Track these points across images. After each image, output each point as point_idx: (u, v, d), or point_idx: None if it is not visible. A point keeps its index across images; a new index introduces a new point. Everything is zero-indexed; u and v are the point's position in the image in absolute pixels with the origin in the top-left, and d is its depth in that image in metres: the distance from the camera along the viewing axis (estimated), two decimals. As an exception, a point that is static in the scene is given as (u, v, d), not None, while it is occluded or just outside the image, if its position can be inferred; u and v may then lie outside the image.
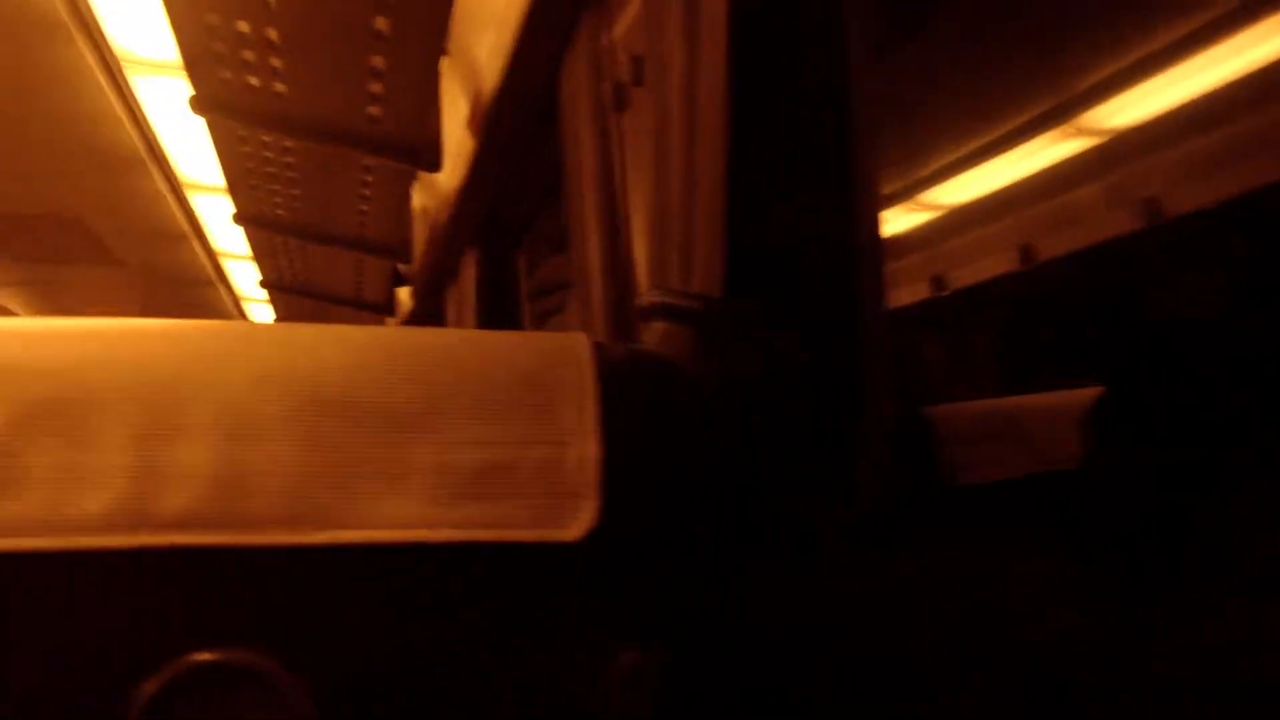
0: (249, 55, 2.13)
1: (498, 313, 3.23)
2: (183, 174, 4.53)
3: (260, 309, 7.75)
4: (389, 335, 0.66)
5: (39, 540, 0.57)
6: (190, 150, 4.23)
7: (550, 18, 1.80)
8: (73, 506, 0.58)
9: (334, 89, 2.24)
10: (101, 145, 4.32)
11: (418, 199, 3.19)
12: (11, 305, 8.00)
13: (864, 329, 1.30)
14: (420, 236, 3.76)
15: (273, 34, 2.01)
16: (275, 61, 2.14)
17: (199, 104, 2.44)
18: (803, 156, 1.31)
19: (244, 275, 6.51)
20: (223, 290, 7.40)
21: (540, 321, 3.53)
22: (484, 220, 3.09)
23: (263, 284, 4.74)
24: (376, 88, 2.19)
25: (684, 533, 0.65)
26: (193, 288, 7.38)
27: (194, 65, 2.25)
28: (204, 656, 0.58)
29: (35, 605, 0.58)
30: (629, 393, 0.66)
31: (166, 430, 0.60)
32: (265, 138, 2.62)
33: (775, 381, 0.72)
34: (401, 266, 4.25)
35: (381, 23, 1.91)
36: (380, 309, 4.63)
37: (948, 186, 3.90)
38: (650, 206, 1.41)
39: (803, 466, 0.71)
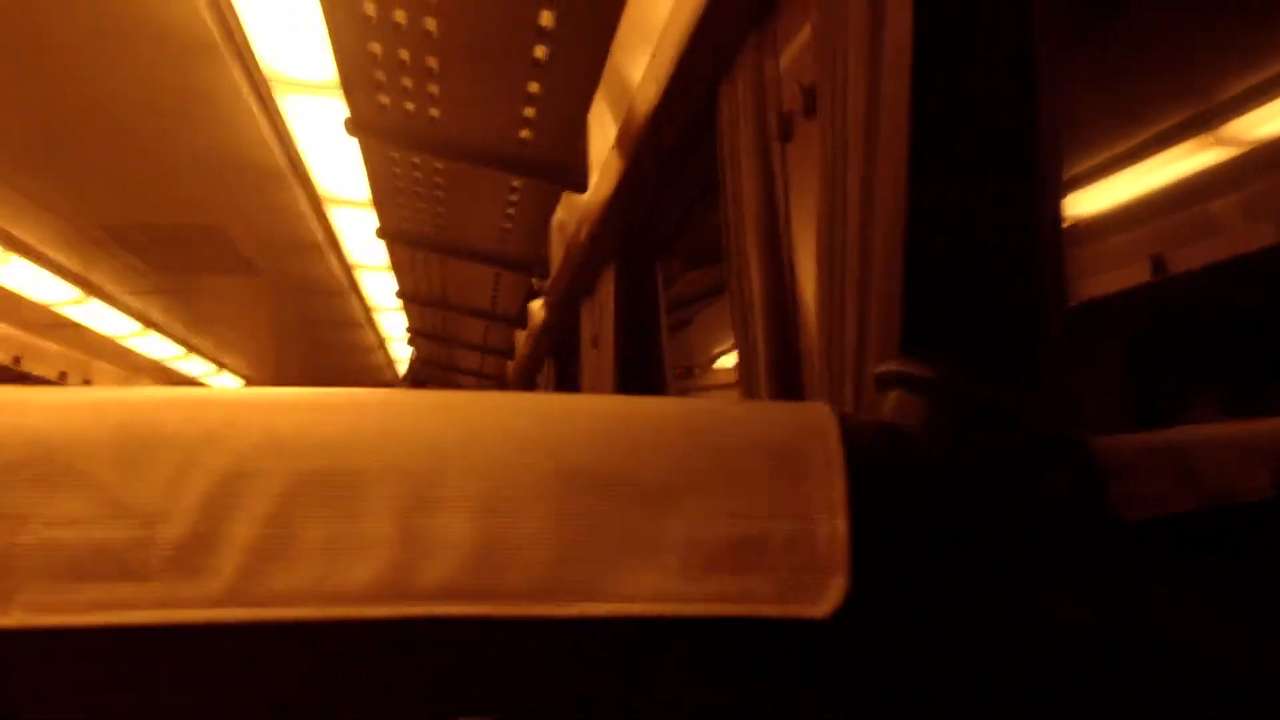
0: (407, 82, 2.17)
1: (637, 327, 3.24)
2: (323, 188, 4.63)
3: (389, 317, 7.90)
4: (637, 407, 0.66)
5: (308, 610, 0.59)
6: (331, 165, 4.34)
7: (711, 43, 1.80)
8: (340, 577, 0.59)
9: (488, 113, 2.27)
10: (247, 160, 4.44)
11: (557, 216, 3.21)
12: (150, 311, 8.27)
13: (1048, 371, 1.28)
14: (558, 252, 3.80)
15: (432, 62, 2.04)
16: (432, 88, 2.18)
17: (354, 126, 2.49)
18: (987, 195, 1.29)
19: (375, 285, 6.65)
20: (354, 300, 7.55)
21: (670, 334, 3.53)
22: (624, 237, 3.10)
23: (399, 295, 4.82)
24: (529, 112, 2.22)
25: (928, 603, 0.63)
26: (325, 297, 7.54)
27: (352, 90, 2.30)
28: None
29: (302, 671, 0.60)
30: (874, 465, 0.65)
31: (428, 502, 0.61)
32: (415, 159, 2.66)
33: (1006, 451, 0.70)
34: (536, 281, 4.30)
35: (540, 51, 1.93)
36: (513, 321, 4.68)
37: (1078, 196, 3.81)
38: (822, 241, 1.40)
39: (1017, 518, 0.69)
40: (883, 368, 0.80)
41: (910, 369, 0.77)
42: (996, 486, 0.67)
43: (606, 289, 3.27)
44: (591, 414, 0.65)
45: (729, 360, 7.87)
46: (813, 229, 1.59)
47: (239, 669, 0.60)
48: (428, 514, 0.60)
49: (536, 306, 4.61)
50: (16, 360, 8.34)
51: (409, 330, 6.32)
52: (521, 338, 5.44)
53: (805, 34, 1.58)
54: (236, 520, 0.59)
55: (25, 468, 0.59)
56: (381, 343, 9.51)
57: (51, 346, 9.20)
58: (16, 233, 5.70)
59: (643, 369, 3.28)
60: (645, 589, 0.61)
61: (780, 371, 1.67)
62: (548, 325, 4.55)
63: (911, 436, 0.69)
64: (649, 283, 3.31)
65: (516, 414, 0.65)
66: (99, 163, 4.63)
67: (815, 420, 0.66)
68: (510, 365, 6.35)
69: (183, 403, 0.63)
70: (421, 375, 8.40)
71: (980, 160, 1.29)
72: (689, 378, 6.92)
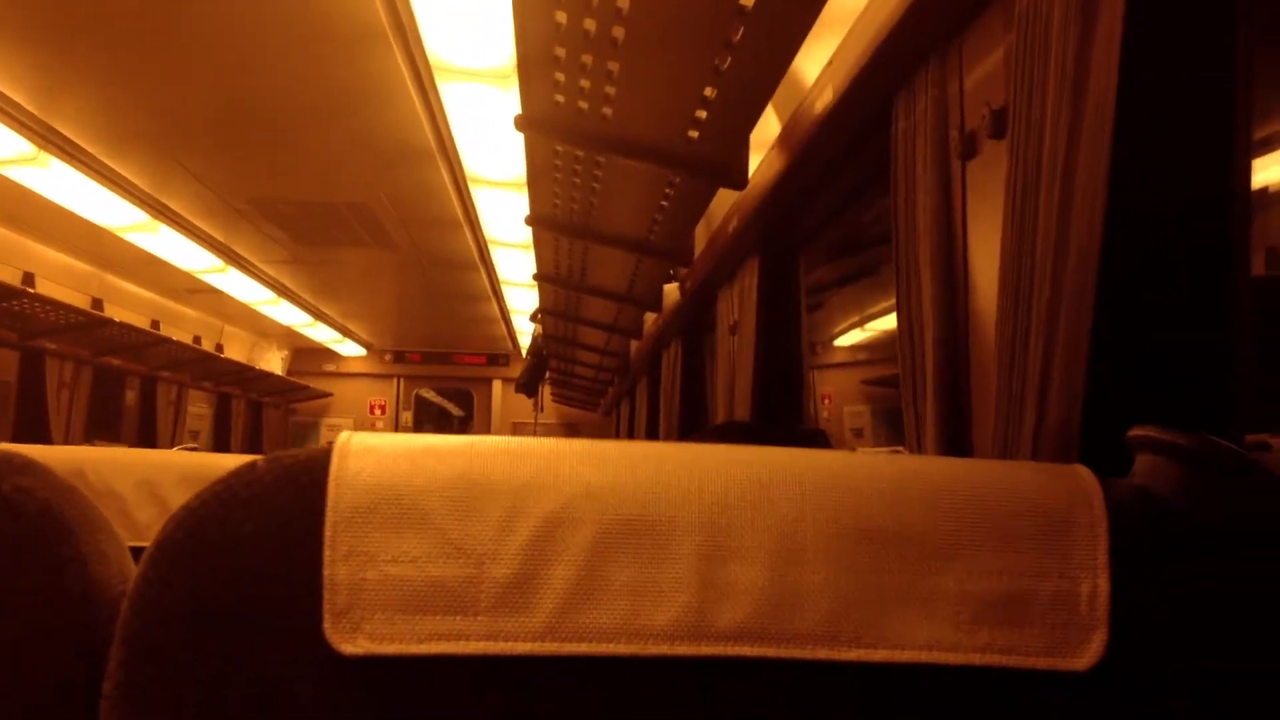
0: (585, 83, 2.24)
1: (777, 315, 3.30)
2: (469, 169, 4.76)
3: (514, 292, 8.04)
4: (912, 465, 0.72)
5: (616, 646, 0.65)
6: (478, 148, 4.46)
7: (894, 56, 1.85)
8: (645, 617, 0.65)
9: (660, 113, 2.34)
10: (398, 142, 4.58)
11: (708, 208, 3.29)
12: (283, 280, 8.50)
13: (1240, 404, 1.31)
14: (701, 241, 3.87)
15: (613, 66, 2.12)
16: (609, 89, 2.25)
17: (524, 122, 2.57)
18: (1188, 228, 1.33)
19: (506, 261, 6.78)
20: (483, 274, 7.70)
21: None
22: (771, 231, 3.17)
23: (536, 276, 4.93)
24: (701, 114, 2.28)
25: (1185, 663, 0.69)
26: (455, 270, 7.70)
27: (529, 87, 2.37)
28: None
29: (610, 703, 0.66)
30: (1133, 529, 0.70)
31: (724, 551, 0.67)
32: (579, 153, 2.74)
33: (1262, 511, 0.75)
34: (675, 268, 4.38)
35: (723, 59, 1.99)
36: (647, 304, 4.76)
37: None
38: (1007, 263, 1.44)
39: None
40: (1136, 431, 0.85)
41: (1163, 435, 0.82)
42: (1255, 548, 0.72)
43: (749, 279, 3.33)
44: (871, 471, 0.71)
45: (846, 340, 7.90)
46: (989, 248, 1.63)
47: (555, 699, 0.65)
48: (723, 562, 0.66)
49: (671, 290, 4.69)
50: (155, 324, 8.64)
51: (539, 308, 6.42)
52: (651, 320, 5.53)
53: (994, 56, 1.62)
54: (556, 562, 0.65)
55: (376, 510, 0.66)
56: (505, 315, 9.67)
57: (188, 311, 9.50)
58: (168, 202, 5.92)
59: (780, 354, 3.35)
60: (920, 638, 0.66)
61: (947, 386, 1.71)
62: (681, 310, 4.63)
63: (1166, 501, 0.74)
64: (792, 274, 3.37)
65: (806, 469, 0.70)
66: (256, 142, 4.80)
67: (1080, 484, 0.71)
68: (635, 345, 6.44)
69: (510, 452, 0.69)
70: (545, 351, 8.52)
71: (1182, 191, 1.33)
72: (811, 355, 6.98)
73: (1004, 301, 1.43)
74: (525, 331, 9.77)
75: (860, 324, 7.45)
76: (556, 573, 0.65)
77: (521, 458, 0.69)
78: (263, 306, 9.42)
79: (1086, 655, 0.67)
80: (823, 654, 0.66)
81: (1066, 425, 1.28)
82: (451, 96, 3.84)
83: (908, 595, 0.67)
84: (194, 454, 1.64)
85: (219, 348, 10.22)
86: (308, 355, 12.61)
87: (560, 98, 2.38)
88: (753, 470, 0.70)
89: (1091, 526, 0.69)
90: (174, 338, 8.35)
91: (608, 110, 2.39)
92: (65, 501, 0.75)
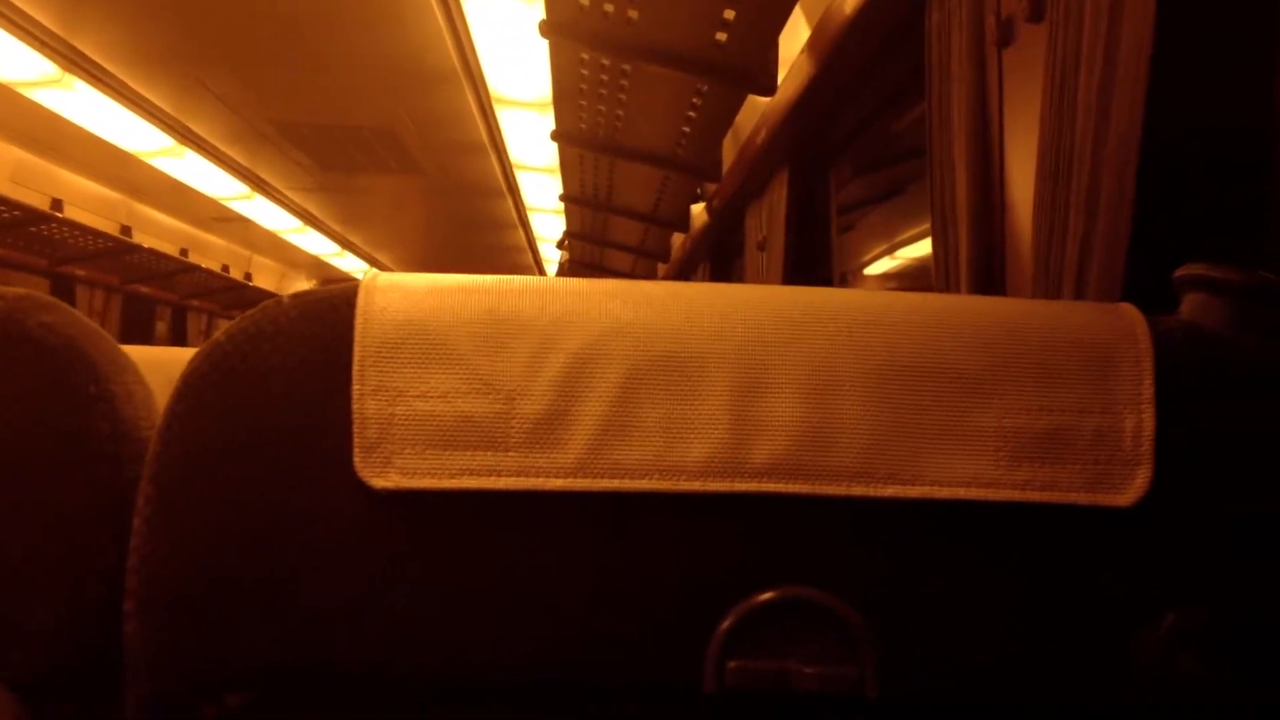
0: (609, -16, 2.20)
1: (806, 231, 3.27)
2: (493, 89, 4.72)
3: (541, 218, 8.01)
4: (951, 303, 0.70)
5: (649, 483, 0.64)
6: (503, 67, 4.42)
7: (926, -53, 1.80)
8: (678, 454, 0.64)
9: (686, 16, 2.30)
10: (421, 62, 4.54)
11: (736, 119, 3.24)
12: (310, 208, 8.50)
13: None
14: (729, 155, 3.82)
15: (639, -35, 2.07)
16: (634, -10, 2.20)
17: (548, 28, 2.53)
18: (1232, 105, 1.29)
19: (532, 186, 6.75)
20: (509, 201, 7.67)
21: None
22: (801, 142, 3.12)
23: (563, 197, 4.90)
24: (729, 15, 2.23)
25: (1230, 501, 0.67)
26: (482, 197, 7.67)
27: (553, -8, 2.33)
28: (776, 593, 0.64)
29: (642, 539, 0.65)
30: (1181, 364, 0.68)
31: (757, 387, 0.65)
32: (605, 60, 2.70)
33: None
34: (702, 185, 4.33)
35: (750, -46, 1.94)
36: (674, 224, 4.72)
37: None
38: (1045, 148, 1.41)
39: None
40: (1183, 270, 0.82)
41: (1214, 272, 0.79)
42: None
43: (779, 193, 3.29)
44: (908, 308, 0.69)
45: (878, 268, 7.82)
46: (1026, 137, 1.59)
47: (586, 535, 0.65)
48: (757, 398, 0.65)
49: (699, 210, 4.64)
50: (184, 252, 8.66)
51: (566, 232, 6.39)
52: (679, 240, 5.49)
53: (1030, -62, 1.57)
54: (586, 399, 0.65)
55: (403, 345, 0.65)
56: (531, 243, 9.65)
57: (216, 240, 9.51)
58: (193, 126, 5.90)
59: (810, 272, 3.31)
60: (958, 474, 0.65)
61: (980, 278, 1.69)
62: (709, 229, 4.58)
63: (1217, 337, 0.72)
64: (822, 188, 3.33)
65: (839, 306, 0.69)
66: (278, 61, 4.77)
67: (1124, 320, 0.69)
68: (663, 268, 6.41)
69: (539, 290, 0.68)
70: (572, 277, 8.50)
71: (1225, 67, 1.29)
72: (841, 284, 6.92)
73: (1042, 185, 1.40)
74: (551, 260, 9.76)
75: (889, 251, 7.37)
76: (587, 409, 0.65)
77: (550, 295, 0.68)
78: (290, 235, 9.43)
79: (1130, 492, 0.65)
80: (858, 490, 0.65)
81: (1109, 293, 1.26)
82: (475, 10, 3.79)
83: (945, 432, 0.66)
84: None
85: (248, 277, 10.24)
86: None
87: (585, 1, 2.34)
88: (785, 307, 0.68)
89: (1137, 361, 0.67)
90: (203, 266, 8.37)
91: (633, 13, 2.35)
92: (91, 341, 0.75)
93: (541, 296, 0.68)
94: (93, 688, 0.73)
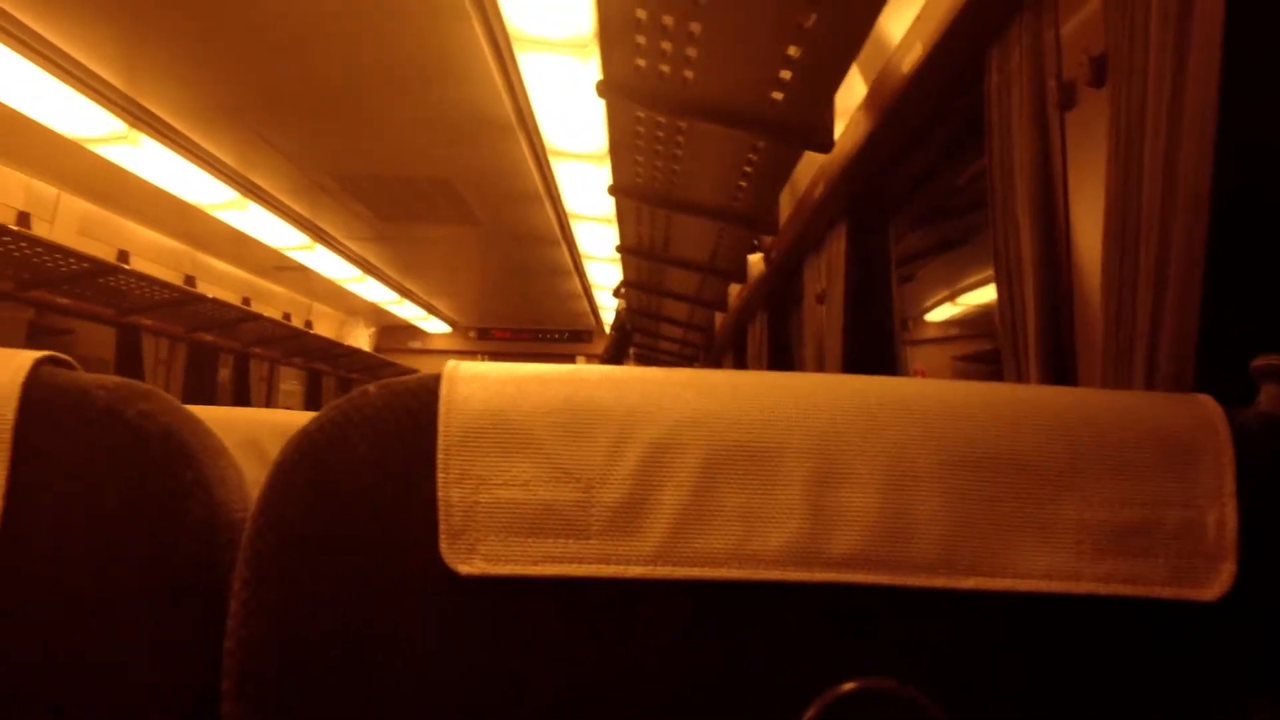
0: (667, 45, 2.20)
1: (866, 284, 3.25)
2: (548, 141, 4.75)
3: (596, 266, 8.04)
4: (1027, 393, 0.69)
5: (728, 571, 0.64)
6: (558, 120, 4.45)
7: (987, 6, 1.79)
8: (756, 542, 0.64)
9: (742, 76, 2.30)
10: (478, 115, 4.58)
11: (793, 173, 3.23)
12: (369, 257, 8.59)
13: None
14: (786, 208, 3.81)
15: (695, 27, 2.07)
16: (691, 51, 2.21)
17: (605, 88, 2.54)
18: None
19: (587, 235, 6.78)
20: (565, 249, 7.71)
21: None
22: (859, 196, 3.10)
23: (619, 248, 4.91)
24: (785, 75, 2.23)
25: None
26: (537, 245, 7.72)
27: (610, 52, 2.34)
28: (857, 684, 0.63)
29: (721, 626, 0.65)
30: (1262, 457, 0.67)
31: (835, 478, 0.65)
32: (661, 118, 2.70)
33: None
34: (759, 237, 4.32)
35: (807, 17, 1.93)
36: (731, 275, 4.72)
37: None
38: (1112, 213, 1.38)
39: None
40: (1260, 360, 0.81)
41: (1289, 363, 0.78)
42: None
43: (837, 246, 3.28)
44: (984, 399, 0.68)
45: (939, 314, 7.76)
46: (1090, 198, 1.57)
47: (666, 622, 0.65)
48: (834, 488, 0.65)
49: (755, 260, 4.63)
50: (246, 301, 8.78)
51: (622, 281, 6.41)
52: (735, 291, 5.48)
53: (1091, 3, 1.56)
54: (665, 487, 0.65)
55: (485, 434, 0.66)
56: (587, 291, 9.69)
57: (277, 289, 9.65)
58: (255, 179, 6.00)
59: (870, 324, 3.29)
60: (1039, 567, 0.64)
61: (1047, 339, 1.66)
62: (766, 280, 4.57)
63: None
64: (880, 241, 3.31)
65: (915, 397, 0.68)
66: (337, 115, 4.83)
67: (1203, 412, 0.68)
68: (720, 317, 6.40)
69: (615, 380, 0.69)
70: (628, 325, 8.52)
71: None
72: (902, 330, 6.87)
73: (1109, 250, 1.38)
74: (607, 307, 9.79)
75: (951, 298, 7.31)
76: (666, 497, 0.65)
77: (626, 385, 0.69)
78: (349, 284, 9.54)
79: (1214, 586, 0.65)
80: (939, 582, 0.64)
81: (1181, 367, 1.23)
82: (530, 67, 3.82)
83: (1025, 523, 0.65)
84: (291, 412, 1.67)
85: (308, 324, 10.36)
86: (394, 332, 12.76)
87: (641, 61, 2.34)
88: (861, 397, 0.69)
89: (1217, 454, 0.67)
90: (265, 315, 8.48)
91: (689, 73, 2.35)
92: (187, 427, 0.77)
93: (617, 386, 0.69)
94: None
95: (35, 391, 0.74)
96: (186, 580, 0.73)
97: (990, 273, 1.93)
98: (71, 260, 5.65)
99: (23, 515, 0.71)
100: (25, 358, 0.76)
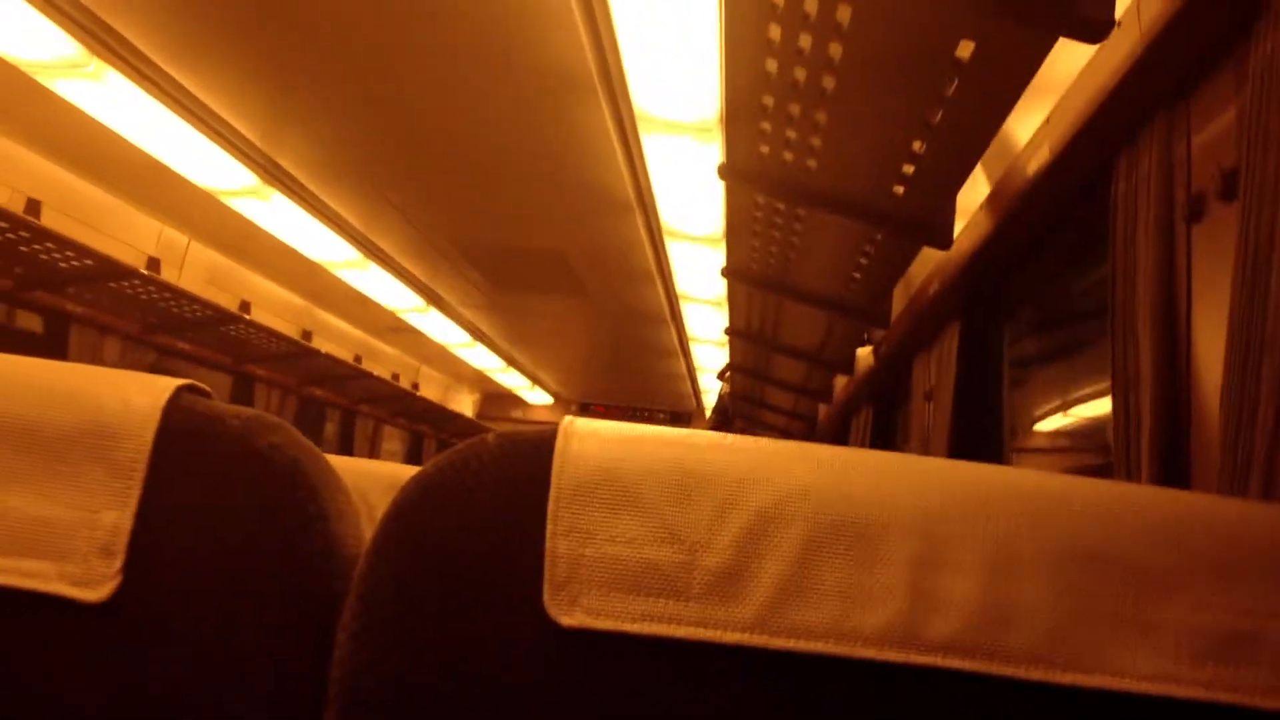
0: (791, 134, 2.23)
1: (977, 385, 3.22)
2: (665, 221, 4.81)
3: (701, 349, 8.08)
4: (1136, 493, 0.69)
5: (824, 645, 0.64)
6: (676, 201, 4.51)
7: (1117, 115, 1.78)
8: (855, 620, 0.64)
9: (866, 168, 2.31)
10: (599, 191, 4.67)
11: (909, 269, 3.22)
12: (479, 324, 8.73)
13: None
14: (899, 303, 3.80)
15: (821, 117, 2.09)
16: (815, 141, 2.23)
17: (727, 171, 2.57)
18: None
19: (696, 317, 6.82)
20: (672, 329, 7.76)
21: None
22: (974, 295, 3.08)
23: (728, 331, 4.93)
24: (908, 169, 2.23)
25: None
26: (646, 324, 7.79)
27: (734, 137, 2.37)
28: None
29: (813, 701, 0.65)
30: None
31: (937, 561, 0.65)
32: (780, 205, 2.72)
33: None
34: (870, 330, 4.30)
35: (934, 113, 1.94)
36: (839, 366, 4.70)
37: None
38: (1235, 329, 1.36)
39: None
40: None
41: None
42: None
43: (949, 344, 3.25)
44: (1093, 494, 0.68)
45: (1048, 424, 7.61)
46: (1214, 315, 1.55)
47: (760, 691, 0.65)
48: (936, 572, 0.65)
49: (864, 354, 4.61)
50: (358, 359, 8.96)
51: (729, 365, 6.43)
52: (842, 383, 5.45)
53: (1225, 116, 1.54)
54: (767, 557, 0.65)
55: (596, 490, 0.67)
56: (691, 372, 9.71)
57: (388, 349, 9.84)
58: (378, 240, 6.15)
59: (978, 427, 3.25)
60: (1141, 668, 0.63)
61: (1161, 451, 1.63)
62: (873, 373, 4.54)
63: None
64: (994, 343, 3.27)
65: (1026, 487, 0.68)
66: (463, 184, 4.95)
67: None
68: (824, 408, 6.36)
69: (725, 447, 0.69)
70: (730, 410, 8.51)
71: None
72: (1011, 438, 6.74)
73: (1231, 365, 1.35)
74: (709, 389, 9.79)
75: (1063, 408, 7.16)
76: (768, 567, 0.65)
77: (736, 452, 0.69)
78: (458, 349, 9.69)
79: None
80: (1037, 675, 0.63)
81: None
82: (653, 148, 3.89)
83: (1128, 623, 0.64)
84: (397, 464, 1.70)
85: (415, 386, 10.53)
86: (497, 400, 12.91)
87: (765, 148, 2.37)
88: (970, 483, 0.68)
89: None
90: (374, 373, 8.65)
91: (812, 162, 2.37)
92: (312, 462, 0.79)
93: (728, 453, 0.69)
94: None
95: (174, 416, 0.77)
96: (300, 608, 0.75)
97: (1104, 385, 1.89)
98: (196, 307, 5.84)
99: (152, 532, 0.74)
100: (168, 383, 0.78)
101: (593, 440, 0.70)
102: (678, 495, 0.67)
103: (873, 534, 0.66)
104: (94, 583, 0.72)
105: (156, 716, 0.72)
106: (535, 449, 0.70)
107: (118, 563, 0.72)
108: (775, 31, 1.87)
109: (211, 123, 4.34)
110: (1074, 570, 0.65)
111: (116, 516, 0.73)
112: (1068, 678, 0.63)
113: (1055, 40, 1.80)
